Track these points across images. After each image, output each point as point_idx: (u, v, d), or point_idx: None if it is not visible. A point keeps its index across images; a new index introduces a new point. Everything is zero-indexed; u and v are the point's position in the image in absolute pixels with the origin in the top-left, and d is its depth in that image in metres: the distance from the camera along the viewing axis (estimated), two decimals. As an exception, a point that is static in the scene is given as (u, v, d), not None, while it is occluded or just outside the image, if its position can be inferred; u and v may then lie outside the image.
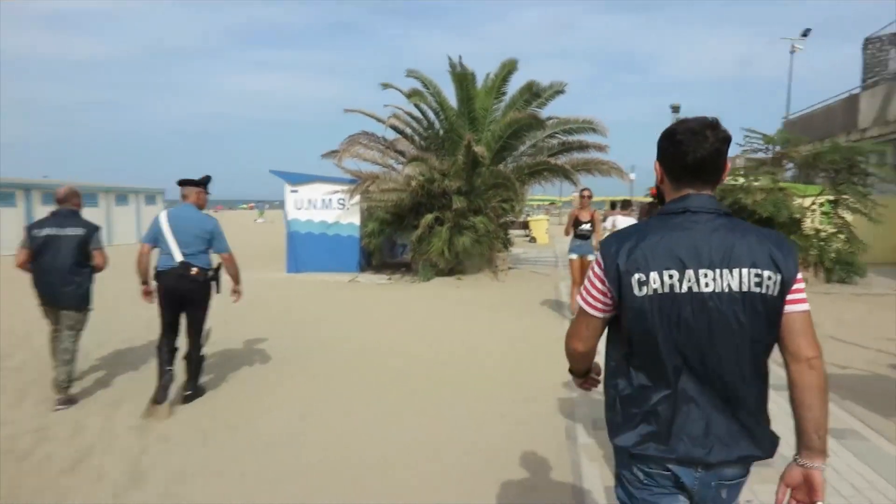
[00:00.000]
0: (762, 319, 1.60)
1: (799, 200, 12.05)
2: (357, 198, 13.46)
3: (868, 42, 17.59)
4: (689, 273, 1.59)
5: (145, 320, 7.51)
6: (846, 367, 6.10)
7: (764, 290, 1.59)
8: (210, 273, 5.12)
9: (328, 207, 14.25)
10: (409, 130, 14.44)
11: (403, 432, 4.54)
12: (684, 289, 1.59)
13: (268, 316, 8.87)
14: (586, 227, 8.53)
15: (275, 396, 5.37)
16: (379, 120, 14.18)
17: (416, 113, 14.20)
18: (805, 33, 24.49)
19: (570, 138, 13.71)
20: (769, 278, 1.59)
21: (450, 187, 12.62)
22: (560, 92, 13.61)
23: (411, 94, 13.14)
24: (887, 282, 12.07)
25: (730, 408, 1.64)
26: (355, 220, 14.12)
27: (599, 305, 1.71)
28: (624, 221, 10.01)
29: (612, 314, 1.71)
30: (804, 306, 1.63)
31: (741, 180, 11.85)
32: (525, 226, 25.31)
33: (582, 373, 1.93)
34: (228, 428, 4.64)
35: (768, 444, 1.71)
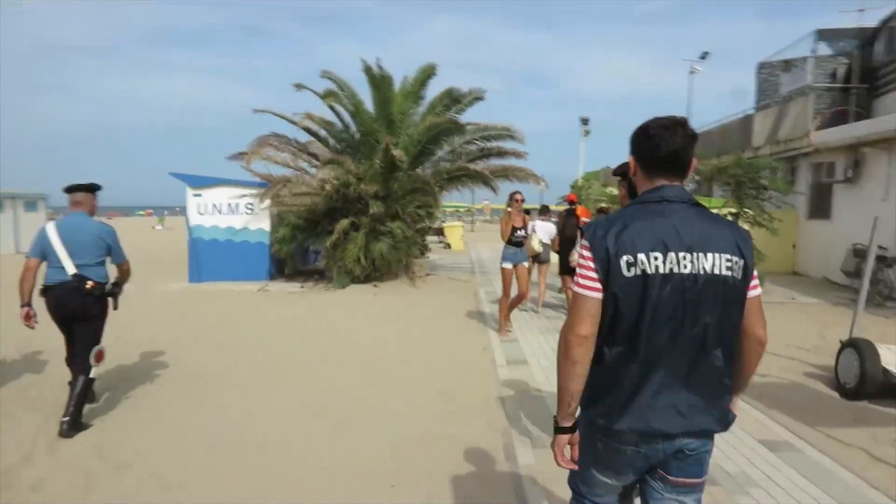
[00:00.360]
0: (731, 300, 1.78)
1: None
2: (267, 202, 12.67)
3: (761, 66, 18.84)
4: (672, 255, 1.73)
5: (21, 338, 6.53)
6: (765, 374, 6.22)
7: (733, 274, 1.77)
8: (108, 287, 4.68)
9: (235, 212, 13.34)
10: (323, 133, 13.83)
11: (323, 459, 4.05)
12: (668, 269, 1.73)
13: (167, 330, 8.02)
14: (521, 233, 8.03)
15: (176, 425, 4.71)
16: (291, 121, 13.48)
17: (331, 116, 13.65)
18: (703, 56, 26.05)
19: (489, 145, 13.63)
20: (736, 263, 1.77)
21: (366, 192, 12.15)
22: (479, 98, 13.51)
23: (326, 95, 12.57)
24: (784, 290, 12.81)
25: (697, 383, 1.78)
26: (265, 225, 13.30)
27: (596, 285, 1.77)
28: (542, 227, 10.05)
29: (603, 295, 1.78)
30: (758, 291, 1.86)
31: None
32: (440, 232, 25.14)
33: (574, 400, 1.83)
34: (118, 468, 3.96)
35: (726, 419, 1.86)
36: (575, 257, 9.29)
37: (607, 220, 1.82)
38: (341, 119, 13.72)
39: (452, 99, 13.24)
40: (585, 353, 1.76)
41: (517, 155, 13.31)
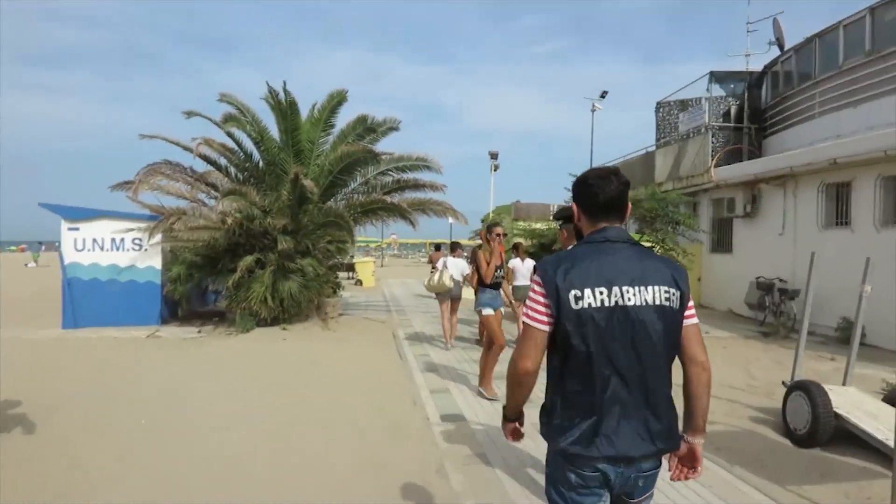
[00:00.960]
0: (670, 329, 1.94)
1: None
2: (158, 237, 11.34)
3: (659, 106, 19.73)
4: (616, 290, 1.89)
5: None
6: (713, 422, 5.92)
7: (671, 304, 1.93)
8: None
9: (120, 249, 11.86)
10: (223, 161, 12.71)
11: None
12: (612, 302, 1.88)
13: (28, 389, 6.63)
14: (501, 273, 6.96)
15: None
16: (185, 148, 12.29)
17: (231, 143, 12.57)
18: (603, 95, 27.09)
19: (405, 176, 13.05)
20: (673, 294, 1.94)
21: (273, 226, 11.15)
22: (394, 129, 12.95)
23: (225, 121, 11.54)
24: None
25: (649, 408, 1.92)
26: (156, 263, 11.90)
27: (545, 319, 1.91)
28: (454, 263, 9.84)
29: (552, 328, 1.92)
30: (696, 320, 2.03)
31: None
32: (350, 268, 24.13)
33: (520, 408, 2.10)
34: None
35: (677, 439, 2.03)
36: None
37: (557, 259, 1.98)
38: (242, 147, 12.69)
39: (366, 128, 12.59)
40: (532, 378, 1.96)
41: (434, 188, 12.82)
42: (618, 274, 1.90)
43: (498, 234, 6.92)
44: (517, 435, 2.20)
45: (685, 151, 17.62)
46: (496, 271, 6.69)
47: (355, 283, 23.40)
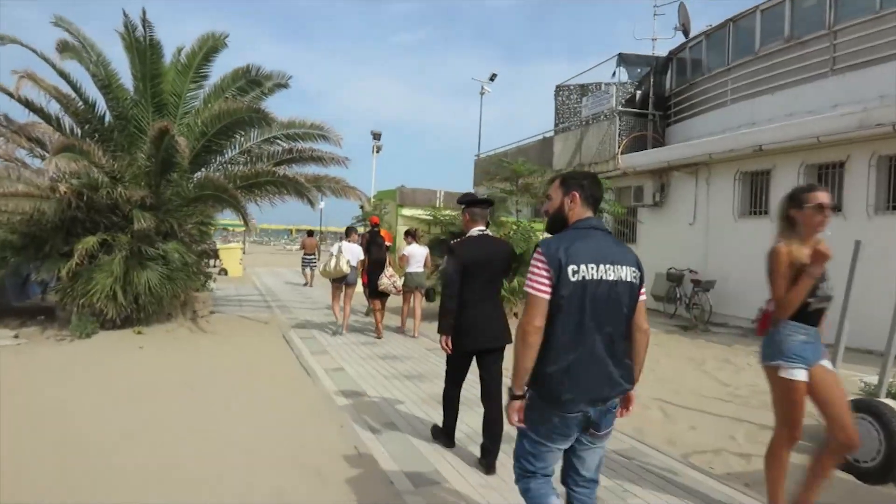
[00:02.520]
0: (632, 301, 2.48)
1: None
2: (-46, 208, 8.22)
3: (559, 90, 18.97)
4: (601, 267, 2.40)
5: None
6: (744, 454, 4.69)
7: (635, 281, 2.48)
8: None
9: None
10: (56, 109, 9.64)
11: None
12: (598, 276, 2.40)
13: None
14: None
15: None
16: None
17: (66, 88, 9.57)
18: (492, 77, 26.16)
19: (297, 146, 10.75)
20: (636, 274, 2.49)
21: (126, 198, 8.50)
22: (283, 85, 10.60)
23: (63, 49, 8.62)
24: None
25: (616, 358, 2.43)
26: (-51, 243, 8.72)
27: (546, 289, 2.37)
28: (349, 248, 9.37)
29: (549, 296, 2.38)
30: (644, 297, 2.55)
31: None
32: (215, 255, 21.00)
33: (527, 374, 2.41)
34: None
35: (632, 380, 2.53)
36: (385, 281, 9.05)
37: (557, 239, 2.47)
38: (81, 93, 9.70)
39: (250, 80, 10.13)
40: (538, 339, 2.38)
41: (335, 161, 10.66)
42: (601, 255, 2.43)
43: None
44: (520, 413, 2.48)
45: (587, 137, 16.96)
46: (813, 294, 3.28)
47: (219, 273, 20.40)
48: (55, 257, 8.61)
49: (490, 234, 4.44)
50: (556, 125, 18.99)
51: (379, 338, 9.09)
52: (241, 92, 10.14)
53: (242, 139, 10.21)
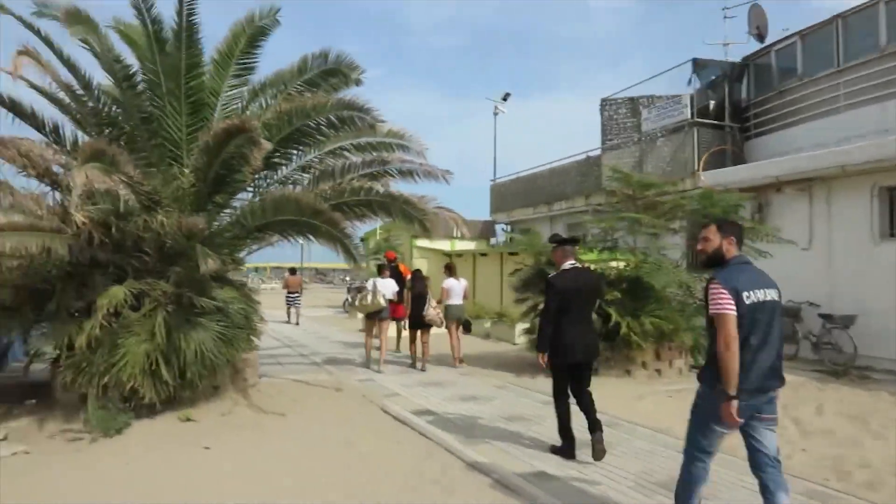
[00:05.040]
0: (779, 314, 3.34)
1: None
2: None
3: (605, 103, 17.05)
4: (759, 291, 3.25)
5: None
6: None
7: (779, 300, 3.34)
8: None
9: None
10: (52, 114, 7.03)
11: None
12: (758, 299, 3.23)
13: None
14: None
15: None
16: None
17: (68, 77, 6.94)
18: (505, 97, 24.29)
19: (377, 157, 8.21)
20: (778, 293, 3.36)
21: (175, 228, 5.90)
22: (358, 82, 8.19)
23: (72, 21, 6.05)
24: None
25: (779, 358, 3.35)
26: None
27: (733, 308, 3.15)
28: (384, 284, 9.67)
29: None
30: None
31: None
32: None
33: (737, 372, 3.11)
34: None
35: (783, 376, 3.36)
36: (432, 312, 9.48)
37: (727, 272, 3.31)
38: (88, 86, 7.07)
39: (325, 71, 7.58)
40: (738, 347, 3.11)
41: (430, 175, 8.15)
42: (758, 282, 3.30)
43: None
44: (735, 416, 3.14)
45: (652, 153, 15.06)
46: None
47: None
48: (63, 318, 5.94)
49: (579, 266, 5.40)
50: (603, 142, 17.04)
51: (420, 368, 9.53)
52: (310, 86, 7.64)
53: (311, 149, 7.71)
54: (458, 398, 7.34)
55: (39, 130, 7.25)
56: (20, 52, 5.68)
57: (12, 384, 7.30)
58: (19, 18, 6.69)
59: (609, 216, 9.96)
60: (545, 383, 7.86)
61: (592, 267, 9.09)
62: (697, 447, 3.33)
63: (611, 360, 8.78)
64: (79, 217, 5.55)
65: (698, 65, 14.17)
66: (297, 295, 18.05)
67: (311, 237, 6.76)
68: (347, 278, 35.73)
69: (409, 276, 12.15)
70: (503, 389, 8.00)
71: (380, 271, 10.30)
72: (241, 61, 7.89)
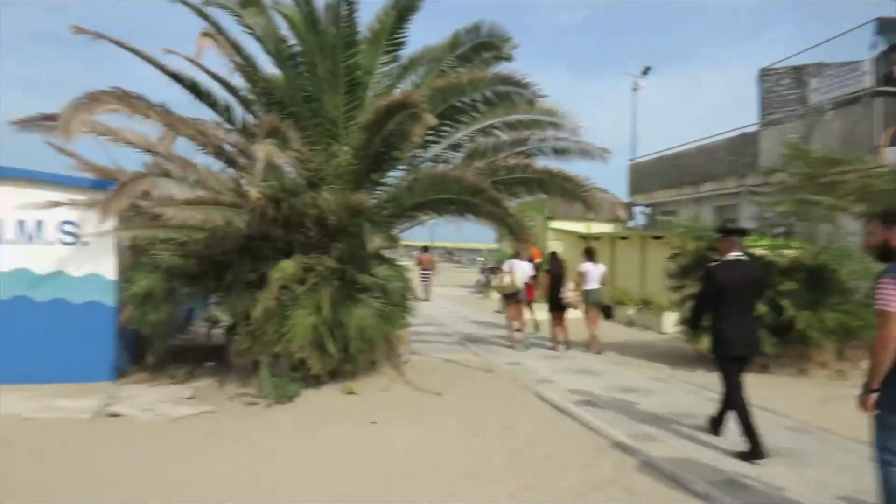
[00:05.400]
0: None
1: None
2: (112, 220, 6.02)
3: (764, 73, 15.53)
4: None
5: None
6: None
7: None
8: None
9: (34, 239, 6.49)
10: (235, 85, 7.36)
11: None
12: None
13: None
14: None
15: None
16: (157, 66, 6.99)
17: (236, 58, 7.23)
18: (645, 71, 22.91)
19: (521, 135, 7.96)
20: None
21: (340, 205, 6.00)
22: (509, 57, 7.91)
23: (244, 2, 6.26)
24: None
25: None
26: (105, 268, 6.58)
27: None
28: (520, 266, 9.78)
29: None
30: None
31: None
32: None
33: (885, 369, 2.99)
34: None
35: None
36: (569, 294, 9.62)
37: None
38: (250, 70, 7.31)
39: (476, 45, 7.38)
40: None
41: (585, 154, 7.72)
42: None
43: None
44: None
45: (821, 128, 13.47)
46: None
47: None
48: (238, 289, 6.26)
49: (744, 258, 5.06)
50: (762, 117, 15.54)
51: (563, 349, 9.57)
52: (462, 61, 7.48)
53: (462, 126, 7.57)
54: (616, 388, 6.93)
55: (213, 108, 7.66)
56: (204, 35, 5.95)
57: (192, 346, 7.91)
58: (192, 6, 7.07)
59: (785, 199, 8.96)
60: (705, 377, 7.26)
61: (762, 254, 8.27)
62: (884, 449, 3.06)
63: (783, 357, 7.94)
64: (254, 192, 5.79)
65: (884, 24, 12.38)
66: (430, 272, 18.41)
67: (470, 216, 6.62)
68: (480, 259, 35.81)
69: (538, 259, 12.56)
70: (661, 382, 7.49)
71: (517, 254, 10.25)
72: (392, 38, 7.84)
